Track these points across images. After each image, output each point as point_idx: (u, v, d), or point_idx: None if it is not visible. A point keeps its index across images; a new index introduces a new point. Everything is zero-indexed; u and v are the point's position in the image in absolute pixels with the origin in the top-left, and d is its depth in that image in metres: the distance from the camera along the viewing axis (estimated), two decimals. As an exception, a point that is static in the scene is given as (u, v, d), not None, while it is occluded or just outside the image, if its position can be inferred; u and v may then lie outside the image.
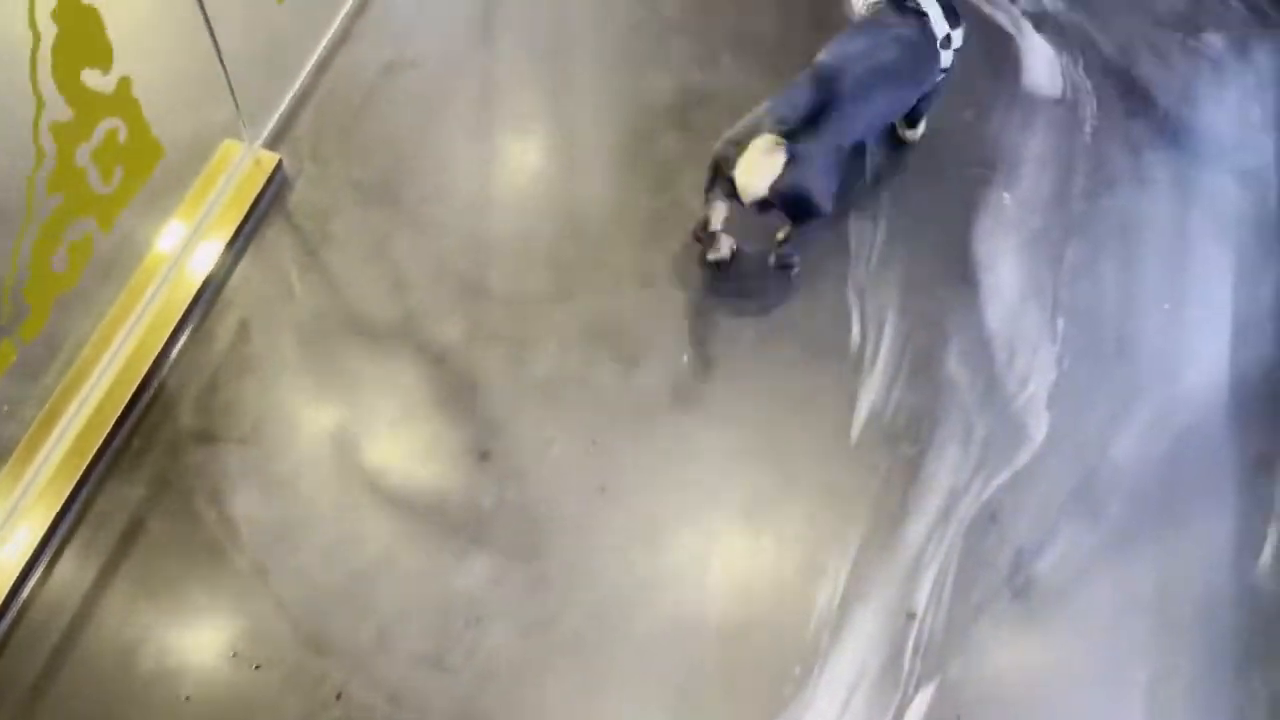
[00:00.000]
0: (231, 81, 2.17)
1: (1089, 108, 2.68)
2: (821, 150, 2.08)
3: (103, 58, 1.72)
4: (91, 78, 1.71)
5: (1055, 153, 2.60)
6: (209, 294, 2.20)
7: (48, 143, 1.65)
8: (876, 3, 2.31)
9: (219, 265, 2.22)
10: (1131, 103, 2.70)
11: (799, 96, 2.12)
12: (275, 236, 2.30)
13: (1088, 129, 2.65)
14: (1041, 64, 2.75)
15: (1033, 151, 2.60)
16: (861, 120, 2.21)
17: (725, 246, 2.31)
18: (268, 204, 2.31)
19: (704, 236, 2.29)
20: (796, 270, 2.35)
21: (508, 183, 2.45)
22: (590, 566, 2.00)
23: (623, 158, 2.49)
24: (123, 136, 1.83)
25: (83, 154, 1.74)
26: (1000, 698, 1.98)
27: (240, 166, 2.30)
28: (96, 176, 1.80)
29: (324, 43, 2.51)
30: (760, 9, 2.76)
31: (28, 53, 1.54)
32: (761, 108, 2.13)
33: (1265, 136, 2.69)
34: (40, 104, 1.61)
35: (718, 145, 2.11)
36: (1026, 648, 2.03)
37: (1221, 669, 2.00)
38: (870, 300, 2.35)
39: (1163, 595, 2.06)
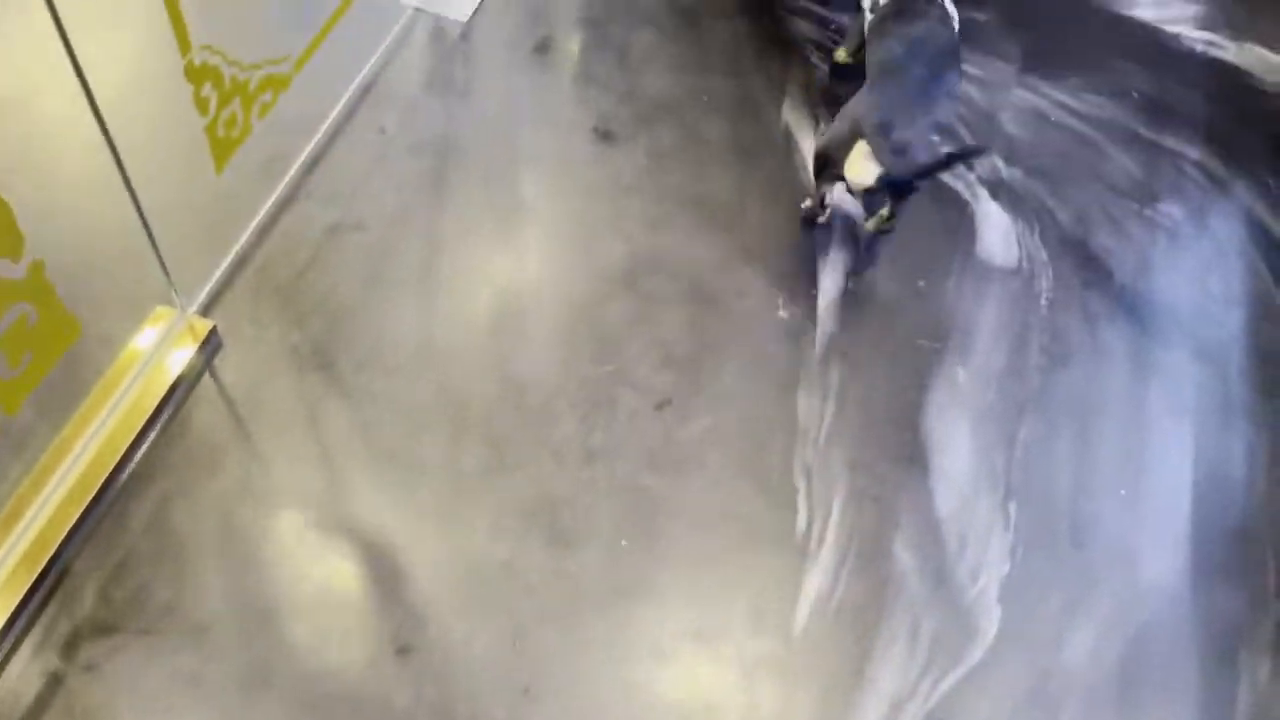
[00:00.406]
0: (161, 250, 2.12)
1: (1045, 279, 2.65)
2: (916, 136, 2.32)
3: (12, 249, 1.68)
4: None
5: (1010, 325, 2.56)
6: (130, 467, 2.12)
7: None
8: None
9: (140, 438, 2.15)
10: (1088, 274, 2.68)
11: (885, 94, 2.35)
12: (205, 406, 2.23)
13: (1043, 300, 2.62)
14: (996, 233, 2.73)
15: (987, 323, 2.56)
16: (941, 98, 2.43)
17: (828, 212, 2.64)
18: (199, 372, 2.25)
19: (818, 210, 2.63)
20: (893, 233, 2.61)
21: (447, 349, 2.39)
22: (509, 778, 1.88)
23: (569, 325, 2.45)
24: (33, 320, 1.78)
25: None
26: None
27: (172, 334, 2.24)
28: (2, 362, 1.75)
29: (267, 205, 2.49)
30: (715, 174, 2.76)
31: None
32: (856, 108, 2.38)
33: (1224, 309, 2.66)
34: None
35: (820, 143, 2.50)
36: None
37: None
38: (818, 481, 2.27)
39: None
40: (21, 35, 2.44)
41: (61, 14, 1.66)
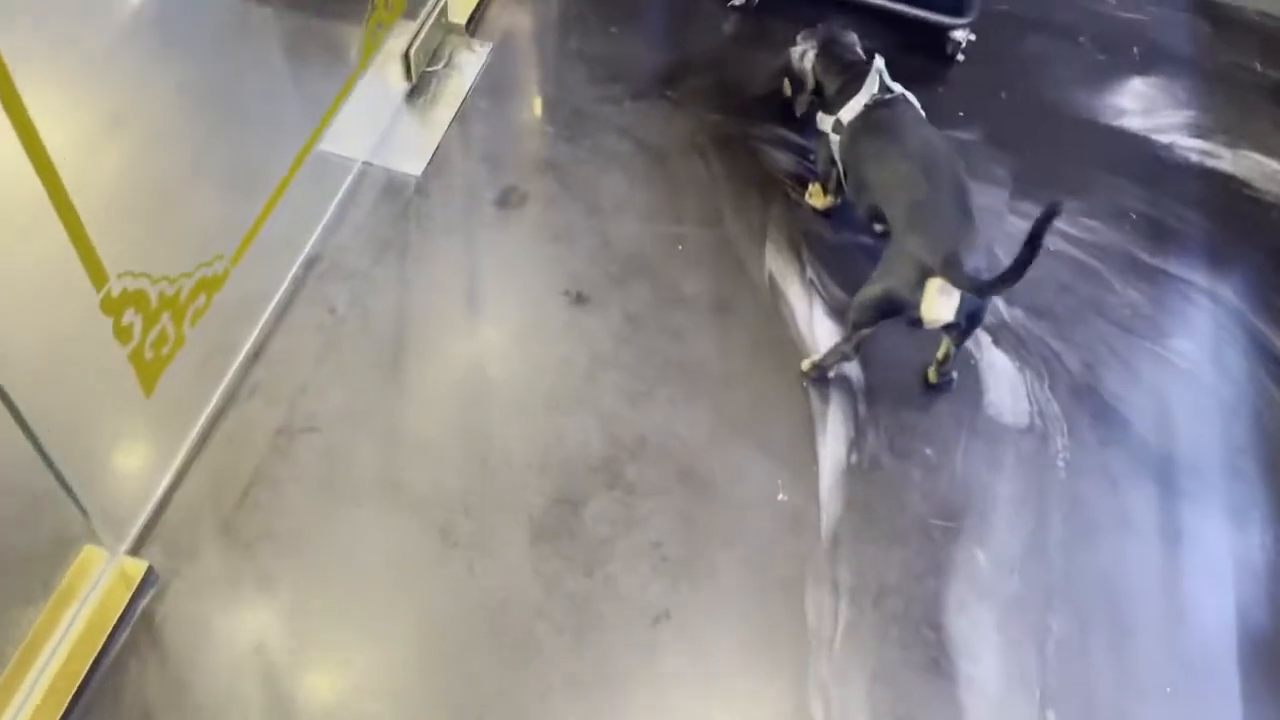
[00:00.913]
0: (81, 493, 1.87)
1: (1059, 437, 2.46)
2: (980, 257, 2.21)
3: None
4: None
5: (1027, 496, 2.36)
6: None
7: None
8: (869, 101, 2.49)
9: (69, 710, 1.88)
10: (1104, 429, 2.49)
11: (932, 229, 2.20)
12: (138, 665, 1.96)
13: (1060, 463, 2.42)
14: (1004, 385, 2.54)
15: (1003, 495, 2.36)
16: (973, 208, 2.30)
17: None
18: (132, 624, 1.99)
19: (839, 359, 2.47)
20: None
21: (412, 569, 2.14)
22: None
23: (548, 533, 2.21)
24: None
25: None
26: None
27: (100, 581, 1.98)
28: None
29: (205, 414, 2.24)
30: (696, 335, 2.55)
31: None
32: (910, 251, 2.20)
33: (1250, 460, 2.48)
34: None
35: (869, 295, 2.29)
36: None
37: None
38: (835, 698, 2.04)
39: None
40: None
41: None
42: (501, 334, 2.52)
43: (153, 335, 1.93)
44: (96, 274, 1.71)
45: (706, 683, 2.05)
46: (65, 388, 1.82)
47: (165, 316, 1.95)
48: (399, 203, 2.72)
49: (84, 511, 1.92)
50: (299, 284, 2.51)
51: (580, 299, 2.58)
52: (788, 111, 2.94)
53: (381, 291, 2.54)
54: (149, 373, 1.96)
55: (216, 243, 2.08)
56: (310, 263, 2.55)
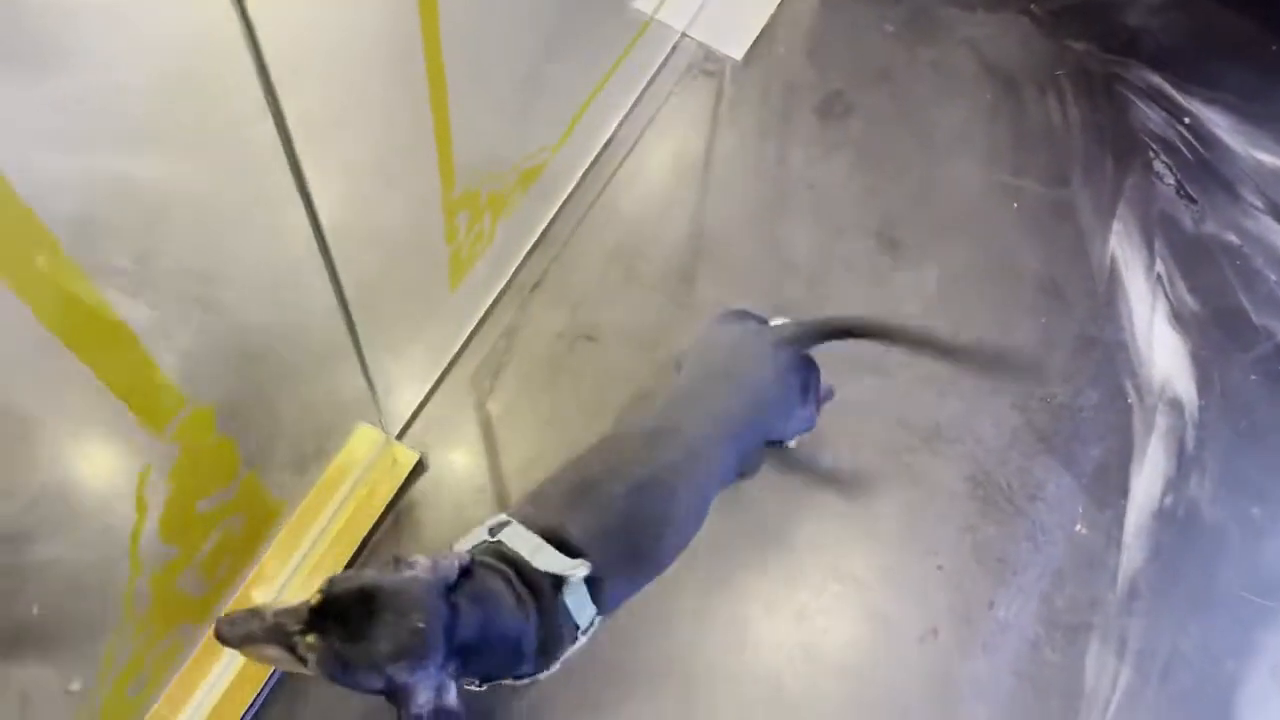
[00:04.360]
0: (370, 368, 1.76)
1: None
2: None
3: (225, 478, 1.34)
4: (209, 502, 1.34)
5: (1365, 588, 2.06)
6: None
7: (143, 596, 1.29)
8: None
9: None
10: None
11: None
12: (402, 548, 1.92)
13: None
14: (1362, 455, 2.18)
15: (1335, 581, 2.06)
16: None
17: None
18: (396, 516, 1.93)
19: None
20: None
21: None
22: None
23: (838, 509, 2.03)
24: (239, 528, 1.47)
25: (185, 578, 1.39)
26: None
27: (372, 464, 1.91)
28: (196, 584, 1.45)
29: (489, 312, 2.09)
30: (1018, 317, 2.24)
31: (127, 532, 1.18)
32: None
33: None
34: (136, 568, 1.25)
35: None
36: None
37: None
38: (1100, 773, 1.88)
39: None
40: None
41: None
42: (797, 277, 2.26)
43: (472, 233, 1.78)
44: (448, 175, 1.53)
45: (963, 712, 1.90)
46: (387, 275, 1.69)
47: (487, 216, 1.78)
48: (711, 89, 2.42)
49: (373, 389, 1.83)
50: (593, 174, 2.28)
51: (893, 246, 2.30)
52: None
53: (681, 195, 2.29)
54: (459, 269, 1.82)
55: (545, 132, 1.87)
56: (609, 147, 2.32)
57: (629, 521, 1.36)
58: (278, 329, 1.83)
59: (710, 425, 1.47)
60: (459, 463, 1.99)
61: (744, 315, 1.69)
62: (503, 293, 2.11)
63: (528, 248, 2.15)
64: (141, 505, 1.16)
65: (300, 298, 1.71)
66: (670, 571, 1.47)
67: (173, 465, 1.19)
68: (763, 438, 1.66)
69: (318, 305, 1.34)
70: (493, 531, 1.33)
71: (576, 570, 1.26)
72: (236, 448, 1.33)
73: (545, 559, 1.26)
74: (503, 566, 1.25)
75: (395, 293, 1.76)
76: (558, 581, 1.27)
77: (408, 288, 1.76)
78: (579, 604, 1.28)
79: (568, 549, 1.29)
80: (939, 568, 2.01)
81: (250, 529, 1.48)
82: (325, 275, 1.39)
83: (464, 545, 1.33)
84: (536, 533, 1.30)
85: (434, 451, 1.98)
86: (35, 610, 1.79)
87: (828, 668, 1.88)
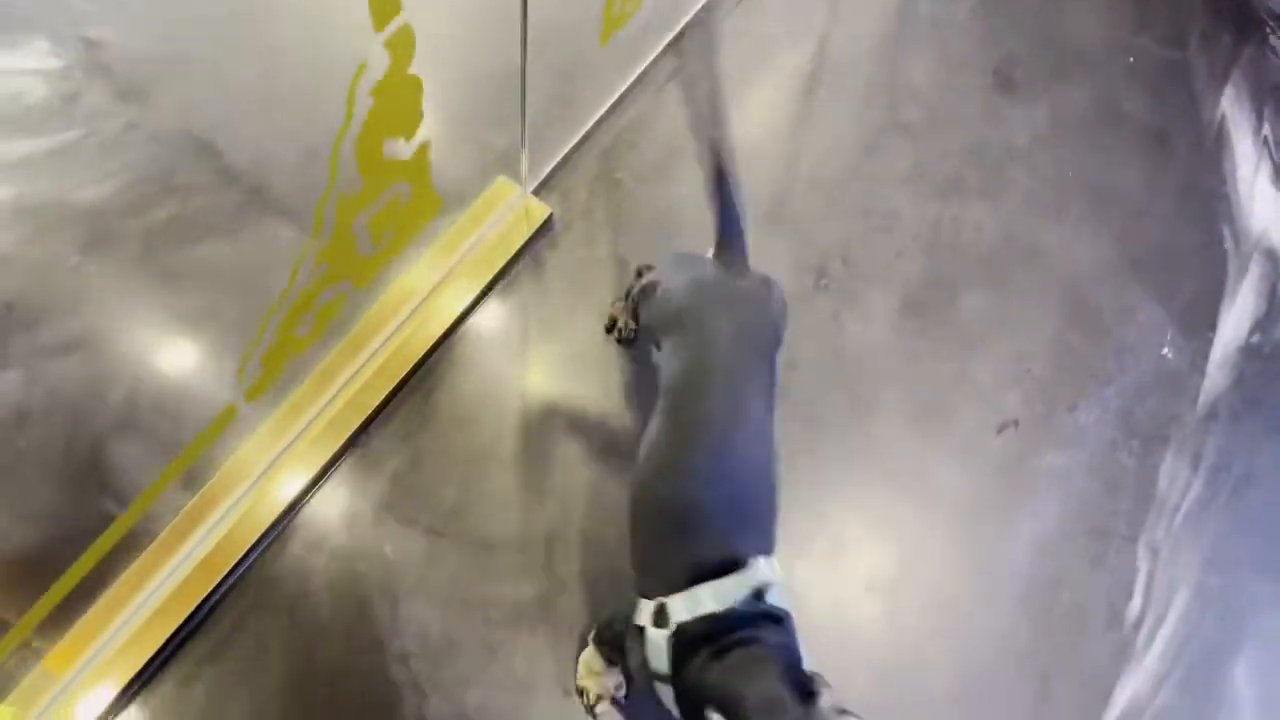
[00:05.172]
0: (526, 118, 1.91)
1: None
2: None
3: (410, 127, 1.50)
4: (392, 147, 1.50)
5: None
6: (443, 352, 2.00)
7: (330, 216, 1.46)
8: None
9: (460, 320, 2.02)
10: None
11: None
12: (520, 300, 2.07)
13: None
14: None
15: None
16: None
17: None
18: (526, 262, 2.08)
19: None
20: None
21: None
22: None
23: (913, 310, 2.14)
24: (405, 199, 1.63)
25: (360, 221, 1.55)
26: None
27: (509, 211, 2.07)
28: (367, 240, 1.61)
29: (628, 84, 2.23)
30: (1124, 160, 2.33)
31: (334, 131, 1.34)
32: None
33: None
34: (332, 181, 1.41)
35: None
36: None
37: None
38: (1163, 568, 1.97)
39: None
40: None
41: None
42: (913, 104, 2.36)
43: (627, -10, 1.91)
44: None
45: (1036, 500, 2.01)
46: (558, 18, 1.82)
47: (642, -28, 1.91)
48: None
49: (523, 138, 1.97)
50: (733, -15, 2.40)
51: (1008, 84, 2.39)
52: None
53: (813, 21, 2.41)
54: (610, 25, 1.95)
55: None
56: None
57: (737, 500, 1.32)
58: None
59: (740, 366, 1.41)
60: (582, 228, 2.13)
61: (691, 261, 1.63)
62: (639, 80, 2.25)
63: (678, 26, 2.27)
64: (351, 104, 1.30)
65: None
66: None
67: (380, 77, 1.33)
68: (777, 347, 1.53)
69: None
70: (659, 621, 1.27)
71: (760, 576, 1.22)
72: (423, 94, 1.47)
73: (720, 598, 1.22)
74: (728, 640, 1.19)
75: (555, 38, 1.89)
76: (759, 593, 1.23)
77: (564, 31, 1.89)
78: (779, 595, 1.25)
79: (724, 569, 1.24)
80: (1027, 371, 2.11)
81: (413, 209, 1.63)
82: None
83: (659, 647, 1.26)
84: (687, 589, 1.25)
85: (562, 212, 2.13)
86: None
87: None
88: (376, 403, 1.92)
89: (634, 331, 1.97)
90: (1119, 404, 2.10)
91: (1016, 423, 2.07)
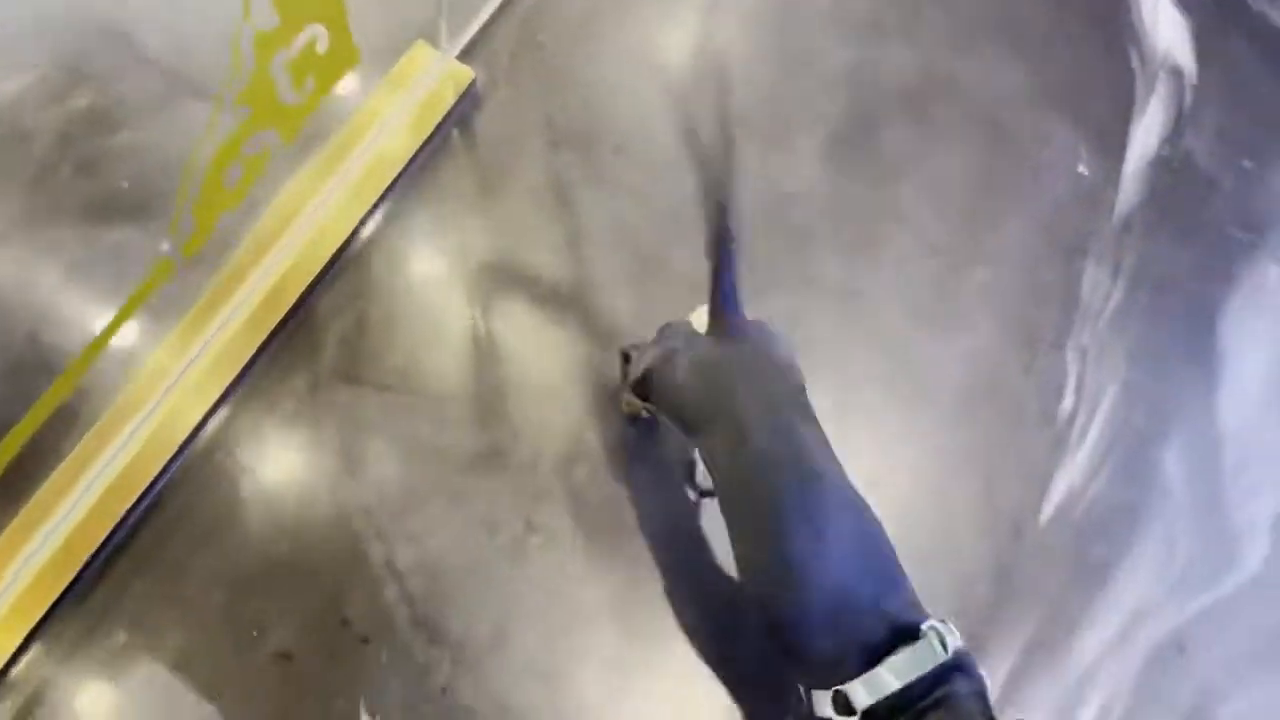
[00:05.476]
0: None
1: (1394, 183, 2.28)
2: None
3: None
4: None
5: (1342, 228, 2.23)
6: (377, 215, 2.02)
7: (247, 53, 1.45)
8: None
9: (391, 187, 2.03)
10: None
11: None
12: (451, 164, 2.09)
13: (1387, 207, 2.26)
14: (1350, 121, 2.34)
15: (1316, 222, 2.23)
16: None
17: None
18: (451, 125, 2.09)
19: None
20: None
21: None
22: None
23: (844, 141, 2.20)
24: (322, 45, 1.63)
25: (278, 63, 1.54)
26: None
27: (430, 76, 2.07)
28: (287, 86, 1.61)
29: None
30: (1032, -8, 2.39)
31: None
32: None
33: None
34: (246, 12, 1.40)
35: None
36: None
37: None
38: (1091, 367, 2.06)
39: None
40: None
41: None
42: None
43: None
44: None
45: (969, 316, 2.08)
46: None
47: None
48: None
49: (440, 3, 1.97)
50: None
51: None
52: None
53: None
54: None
55: None
56: None
57: (861, 563, 1.29)
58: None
59: (784, 435, 1.35)
60: (508, 91, 2.15)
61: (684, 339, 1.53)
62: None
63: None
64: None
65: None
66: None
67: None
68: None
69: None
70: (843, 709, 1.24)
71: (934, 649, 1.21)
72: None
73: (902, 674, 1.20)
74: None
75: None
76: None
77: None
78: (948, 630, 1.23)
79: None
80: (951, 197, 2.17)
81: (331, 57, 1.63)
82: None
83: None
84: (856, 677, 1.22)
85: (487, 76, 2.14)
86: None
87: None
88: (316, 270, 1.94)
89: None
90: (1040, 221, 2.18)
91: (945, 245, 2.13)
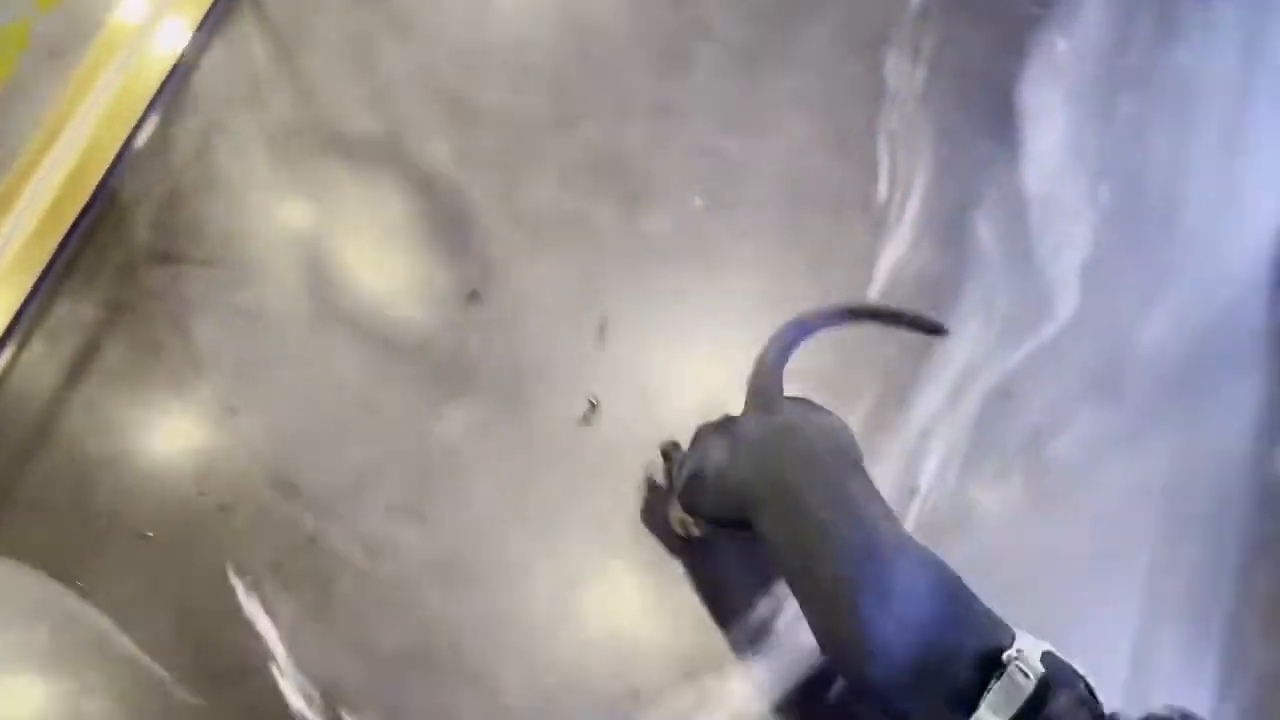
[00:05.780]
0: None
1: (1164, -56, 2.40)
2: None
3: None
4: None
5: (1120, -6, 2.34)
6: (167, 93, 1.95)
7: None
8: None
9: (180, 58, 1.96)
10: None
11: None
12: (244, 30, 2.03)
13: (1160, -30, 2.38)
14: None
15: (1097, -11, 2.34)
16: None
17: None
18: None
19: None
20: None
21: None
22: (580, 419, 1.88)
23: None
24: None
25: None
26: (996, 578, 1.92)
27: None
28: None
29: None
30: None
31: None
32: None
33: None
34: None
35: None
36: (1028, 529, 1.94)
37: (1225, 563, 1.95)
38: (902, 150, 2.14)
39: (1175, 485, 1.98)
40: None
41: None
42: None
43: None
44: None
45: (781, 119, 2.14)
46: None
47: None
48: None
49: None
50: None
51: None
52: None
53: None
54: None
55: None
56: None
57: (938, 605, 1.31)
58: None
59: (836, 500, 1.36)
60: None
61: (724, 428, 1.52)
62: None
63: None
64: None
65: None
66: None
67: None
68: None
69: None
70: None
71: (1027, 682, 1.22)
72: None
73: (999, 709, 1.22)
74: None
75: None
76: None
77: None
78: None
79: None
80: (749, 6, 2.21)
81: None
82: None
83: None
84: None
85: None
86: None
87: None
88: (116, 146, 1.87)
89: (704, 525, 1.68)
90: (838, 19, 2.23)
91: (751, 53, 2.17)
